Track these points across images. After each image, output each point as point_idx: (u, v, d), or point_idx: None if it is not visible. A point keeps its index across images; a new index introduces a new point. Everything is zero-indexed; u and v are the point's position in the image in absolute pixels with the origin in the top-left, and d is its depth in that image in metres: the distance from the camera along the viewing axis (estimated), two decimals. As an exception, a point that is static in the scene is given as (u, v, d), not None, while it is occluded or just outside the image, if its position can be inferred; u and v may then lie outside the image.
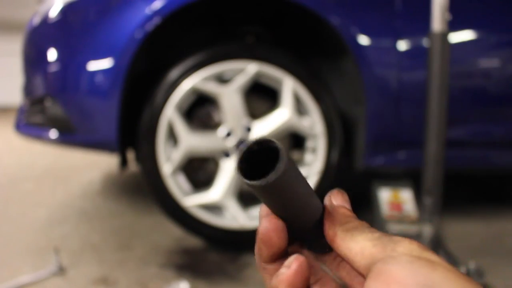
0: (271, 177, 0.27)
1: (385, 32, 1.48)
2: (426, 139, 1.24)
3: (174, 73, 1.49)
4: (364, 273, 0.29)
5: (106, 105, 1.49)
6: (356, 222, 0.32)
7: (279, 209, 0.31)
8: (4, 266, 1.47)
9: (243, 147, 0.29)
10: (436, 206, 1.24)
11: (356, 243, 0.30)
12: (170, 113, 1.49)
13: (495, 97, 1.57)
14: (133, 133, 1.59)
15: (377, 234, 0.30)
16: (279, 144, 0.28)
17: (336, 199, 0.35)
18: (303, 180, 0.31)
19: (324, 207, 0.34)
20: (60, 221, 1.88)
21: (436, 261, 0.27)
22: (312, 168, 1.55)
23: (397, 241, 0.29)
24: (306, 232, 0.34)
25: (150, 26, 1.44)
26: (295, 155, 1.99)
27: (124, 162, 1.67)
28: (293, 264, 0.30)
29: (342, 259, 0.35)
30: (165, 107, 1.49)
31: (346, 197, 0.35)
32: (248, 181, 0.28)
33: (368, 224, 0.32)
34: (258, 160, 0.29)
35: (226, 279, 1.38)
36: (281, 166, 0.27)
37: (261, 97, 1.69)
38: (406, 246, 0.28)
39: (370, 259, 0.29)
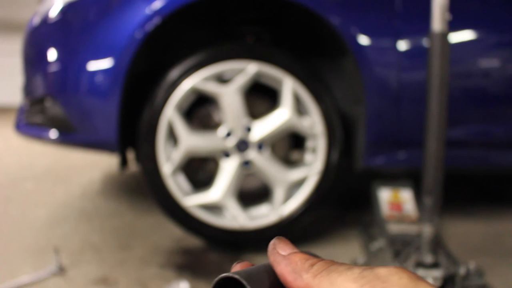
0: None
1: (385, 32, 1.48)
2: (426, 139, 1.24)
3: (174, 73, 1.49)
4: None
5: (106, 105, 1.49)
6: (321, 262, 0.29)
7: None
8: (4, 266, 1.47)
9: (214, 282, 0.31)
10: (436, 206, 1.24)
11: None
12: (170, 113, 1.49)
13: (495, 97, 1.57)
14: (133, 133, 1.59)
15: (357, 271, 0.27)
16: (245, 283, 0.29)
17: (284, 249, 0.31)
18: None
19: (271, 268, 0.32)
20: (60, 221, 1.88)
21: None
22: (312, 168, 1.55)
23: (384, 277, 0.26)
24: None
25: (150, 26, 1.44)
26: (295, 155, 1.99)
27: (124, 162, 1.67)
28: None
29: None
30: (165, 107, 1.49)
31: (288, 242, 0.32)
32: None
33: (331, 260, 0.29)
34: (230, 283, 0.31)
35: (226, 279, 1.38)
36: None
37: (261, 97, 1.69)
38: (396, 283, 0.26)
39: None
